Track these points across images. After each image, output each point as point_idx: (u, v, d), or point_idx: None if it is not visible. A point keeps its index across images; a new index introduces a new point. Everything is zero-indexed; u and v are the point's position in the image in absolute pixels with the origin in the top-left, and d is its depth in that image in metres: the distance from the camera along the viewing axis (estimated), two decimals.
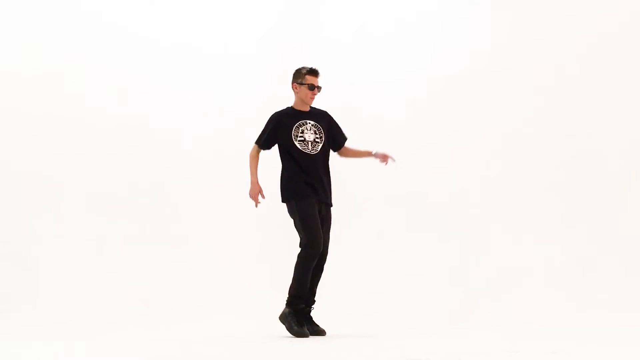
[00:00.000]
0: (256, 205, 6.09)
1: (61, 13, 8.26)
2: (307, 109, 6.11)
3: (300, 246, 5.90)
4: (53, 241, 7.94)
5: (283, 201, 6.05)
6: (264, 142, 6.08)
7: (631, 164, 7.37)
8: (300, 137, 6.00)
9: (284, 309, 5.90)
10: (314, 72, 6.06)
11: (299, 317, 5.85)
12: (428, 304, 7.34)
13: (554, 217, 7.54)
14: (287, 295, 5.92)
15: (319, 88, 6.06)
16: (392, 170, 8.13)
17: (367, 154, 6.26)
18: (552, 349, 4.91)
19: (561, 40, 7.71)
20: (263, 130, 6.09)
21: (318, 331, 5.89)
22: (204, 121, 8.41)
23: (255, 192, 6.04)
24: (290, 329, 5.82)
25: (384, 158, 6.22)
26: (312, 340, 5.62)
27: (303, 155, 5.97)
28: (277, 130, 6.02)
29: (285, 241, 8.02)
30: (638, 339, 5.61)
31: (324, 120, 6.15)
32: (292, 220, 6.00)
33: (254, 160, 6.10)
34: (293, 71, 6.12)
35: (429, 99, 8.16)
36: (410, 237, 7.92)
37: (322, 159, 6.06)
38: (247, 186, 8.31)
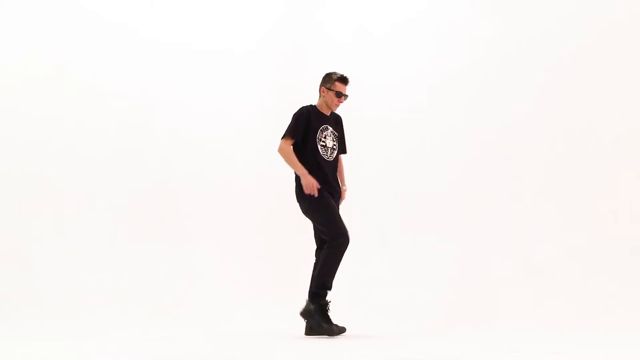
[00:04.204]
0: (317, 194, 5.87)
1: (61, 13, 8.25)
2: (328, 113, 6.10)
3: (329, 238, 5.82)
4: (53, 241, 7.94)
5: (298, 199, 5.95)
6: (298, 135, 5.91)
7: (631, 163, 7.36)
8: (323, 142, 5.99)
9: (308, 306, 5.78)
10: (344, 80, 6.03)
11: (324, 314, 5.77)
12: (428, 305, 7.34)
13: (554, 217, 7.54)
14: (311, 289, 5.81)
15: (345, 96, 6.06)
16: (392, 169, 8.17)
17: (342, 182, 6.20)
18: (552, 349, 4.91)
19: (560, 40, 7.70)
20: (295, 124, 5.92)
21: (340, 330, 5.78)
22: (204, 121, 8.42)
23: (312, 182, 5.83)
24: (319, 328, 5.70)
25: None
26: (313, 340, 5.61)
27: (323, 161, 5.96)
28: (308, 126, 5.94)
29: (286, 241, 8.04)
30: (638, 339, 5.61)
31: (339, 127, 6.17)
32: (296, 218, 5.98)
33: (294, 154, 5.90)
34: (325, 73, 6.09)
35: (429, 98, 8.16)
36: (409, 238, 7.92)
37: (335, 166, 6.08)
38: (246, 186, 8.41)
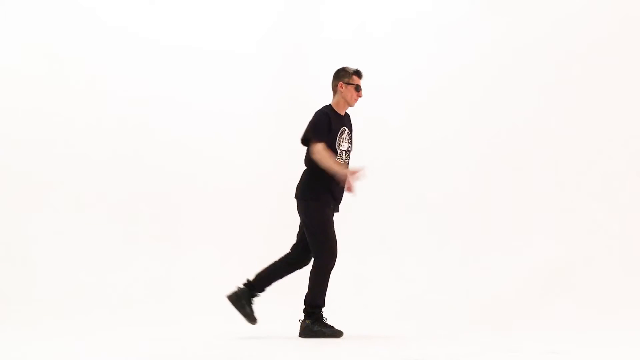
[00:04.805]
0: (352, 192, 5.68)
1: (61, 13, 8.25)
2: (344, 112, 5.80)
3: (315, 251, 5.71)
4: (53, 241, 7.93)
5: (300, 198, 5.69)
6: (326, 137, 5.57)
7: (632, 163, 7.36)
8: (340, 145, 5.72)
9: (306, 323, 5.66)
10: (359, 74, 5.78)
11: (321, 321, 5.68)
12: (428, 305, 7.34)
13: (554, 217, 7.54)
14: (306, 306, 5.70)
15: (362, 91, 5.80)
16: (392, 169, 8.16)
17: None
18: (552, 349, 4.91)
19: (560, 40, 7.71)
20: (319, 125, 5.58)
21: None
22: (204, 121, 8.42)
23: (346, 176, 5.58)
24: (324, 336, 5.60)
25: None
26: (313, 341, 5.60)
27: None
28: (330, 128, 5.63)
29: (286, 241, 8.03)
30: (638, 339, 5.61)
31: (351, 127, 5.88)
32: (296, 219, 5.84)
33: (329, 152, 5.57)
34: (337, 70, 5.78)
35: (429, 99, 8.16)
36: (410, 239, 7.92)
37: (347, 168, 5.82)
38: (247, 186, 8.40)
